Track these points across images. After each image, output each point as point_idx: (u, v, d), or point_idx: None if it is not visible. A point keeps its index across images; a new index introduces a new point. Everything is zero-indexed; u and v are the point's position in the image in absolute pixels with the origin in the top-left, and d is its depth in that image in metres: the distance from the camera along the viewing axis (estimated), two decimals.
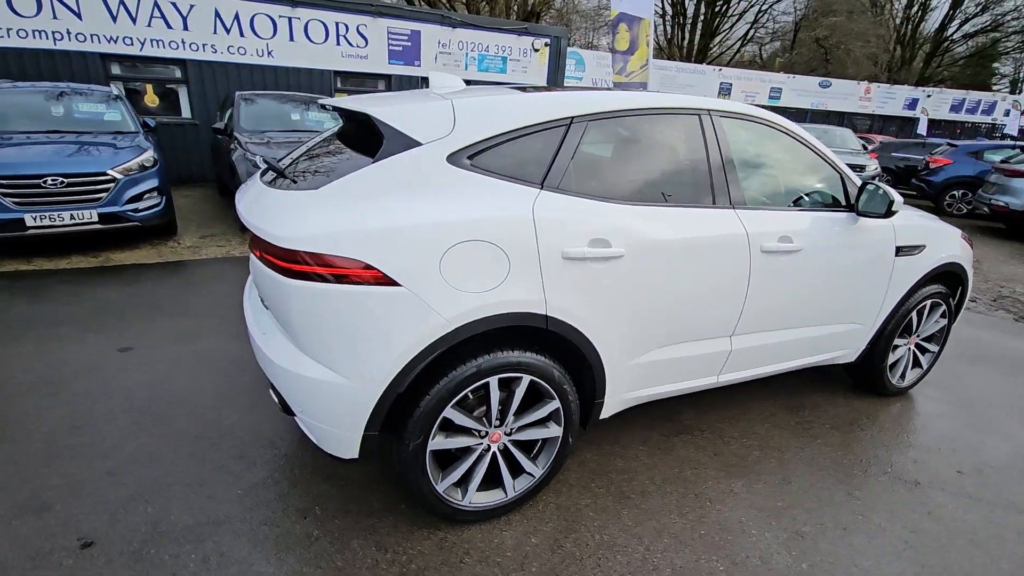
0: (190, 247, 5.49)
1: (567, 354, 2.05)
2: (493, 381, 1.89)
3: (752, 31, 25.21)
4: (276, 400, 1.97)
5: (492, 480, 2.07)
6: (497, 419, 1.98)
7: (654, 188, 2.21)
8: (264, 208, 1.85)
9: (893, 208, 2.50)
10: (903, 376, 3.24)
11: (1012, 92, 32.36)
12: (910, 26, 27.61)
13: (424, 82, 11.49)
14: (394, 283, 1.67)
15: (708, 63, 24.00)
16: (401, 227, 1.70)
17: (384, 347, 1.72)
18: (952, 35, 28.20)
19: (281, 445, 2.44)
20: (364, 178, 1.75)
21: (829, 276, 2.63)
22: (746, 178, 2.43)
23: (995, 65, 40.35)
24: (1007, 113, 23.69)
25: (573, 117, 2.01)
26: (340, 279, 1.65)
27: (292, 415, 1.94)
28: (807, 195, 2.69)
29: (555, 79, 12.91)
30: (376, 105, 1.96)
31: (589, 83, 17.29)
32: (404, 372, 1.75)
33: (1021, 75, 39.93)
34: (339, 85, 10.68)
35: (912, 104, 22.80)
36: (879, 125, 22.71)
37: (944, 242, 3.03)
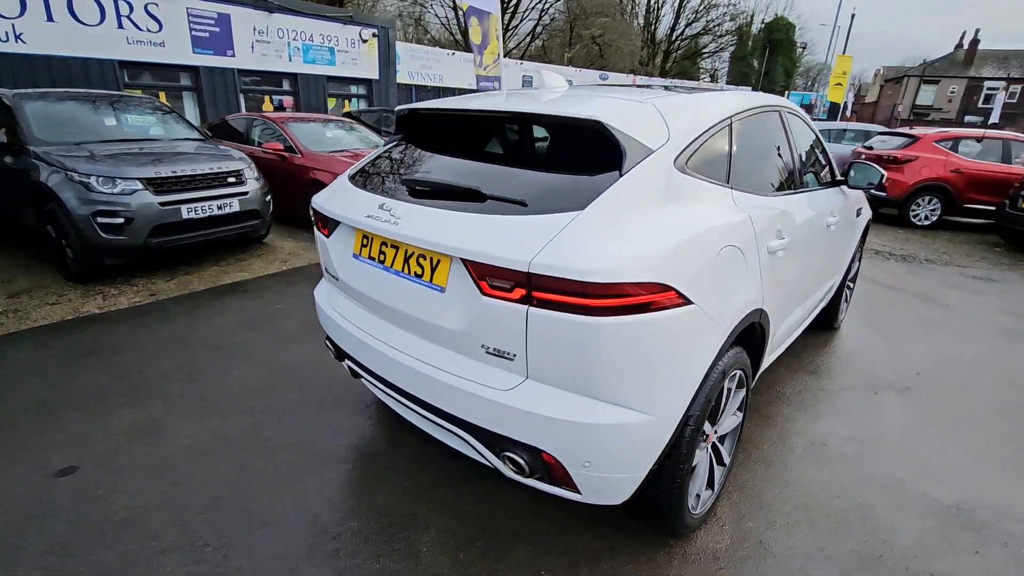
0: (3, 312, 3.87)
1: (752, 342, 2.12)
2: (725, 383, 1.87)
3: (540, 28, 27.69)
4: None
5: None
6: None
7: (774, 178, 2.39)
8: (512, 240, 1.48)
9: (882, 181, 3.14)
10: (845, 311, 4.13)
11: (712, 81, 41.73)
12: (649, 31, 33.41)
13: (241, 74, 9.85)
14: (688, 302, 1.53)
15: (505, 56, 25.47)
16: (680, 241, 1.56)
17: (686, 371, 1.58)
18: (679, 37, 34.92)
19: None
20: (623, 193, 1.54)
21: (842, 239, 3.19)
22: (800, 164, 2.78)
23: (699, 62, 51.50)
24: None
25: (732, 116, 2.06)
26: (645, 307, 1.44)
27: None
28: (817, 174, 3.19)
29: (386, 72, 12.31)
30: (581, 107, 1.72)
31: (406, 76, 16.85)
32: (697, 394, 1.62)
33: (719, 71, 51.80)
34: (128, 80, 8.50)
35: None
36: None
37: (866, 203, 3.89)
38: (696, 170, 1.78)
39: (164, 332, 3.60)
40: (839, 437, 2.68)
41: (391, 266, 1.82)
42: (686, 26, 34.63)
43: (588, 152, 1.68)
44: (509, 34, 27.98)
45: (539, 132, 2.31)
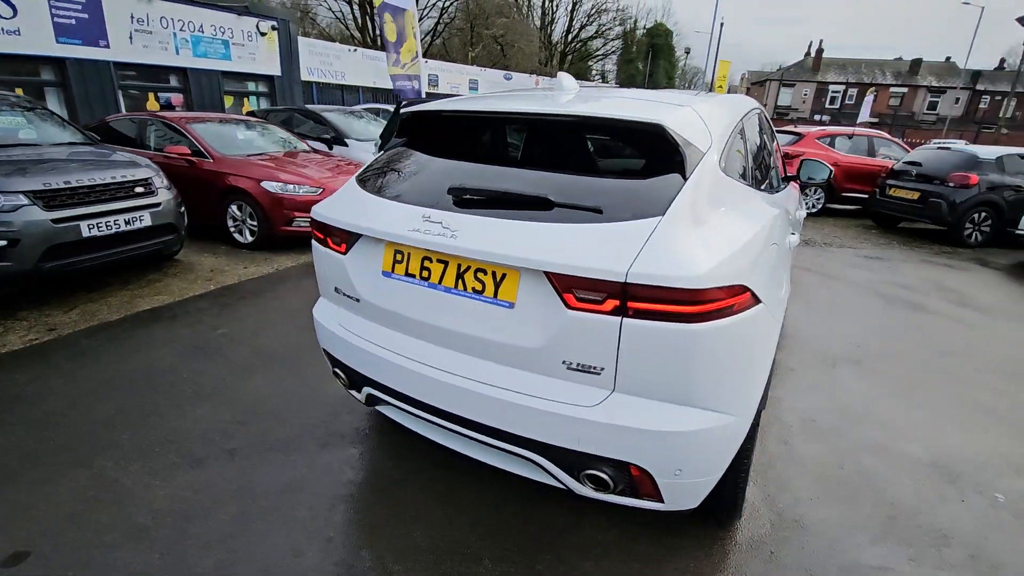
0: None
1: None
2: None
3: (441, 26, 27.24)
4: None
5: None
6: None
7: (767, 176, 2.51)
8: (597, 249, 1.40)
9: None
10: None
11: (603, 80, 44.02)
12: (546, 33, 34.41)
13: (119, 68, 8.63)
14: (758, 301, 1.55)
15: None
16: (745, 242, 1.57)
17: (760, 369, 1.62)
18: (574, 39, 36.30)
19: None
20: (691, 196, 1.52)
21: (797, 232, 3.46)
22: (776, 163, 2.97)
23: (590, 63, 54.13)
24: None
25: (741, 118, 2.13)
26: (730, 310, 1.43)
27: None
28: (778, 171, 3.43)
29: (289, 69, 11.46)
30: (634, 111, 1.67)
31: (305, 73, 15.80)
32: (765, 389, 1.66)
33: (608, 73, 54.78)
34: None
35: None
36: None
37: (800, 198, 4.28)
38: (728, 172, 1.82)
39: (84, 373, 3.03)
40: (821, 411, 2.91)
41: (439, 283, 1.66)
42: (580, 29, 36.17)
43: (648, 156, 1.65)
44: None
45: (560, 134, 2.24)
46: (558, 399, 1.50)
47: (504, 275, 1.54)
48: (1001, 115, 31.50)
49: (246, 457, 2.34)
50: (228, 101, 10.63)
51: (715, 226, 1.54)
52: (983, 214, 7.57)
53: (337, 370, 2.07)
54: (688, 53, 34.91)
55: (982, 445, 2.68)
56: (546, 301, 1.47)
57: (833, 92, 42.88)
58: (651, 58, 51.30)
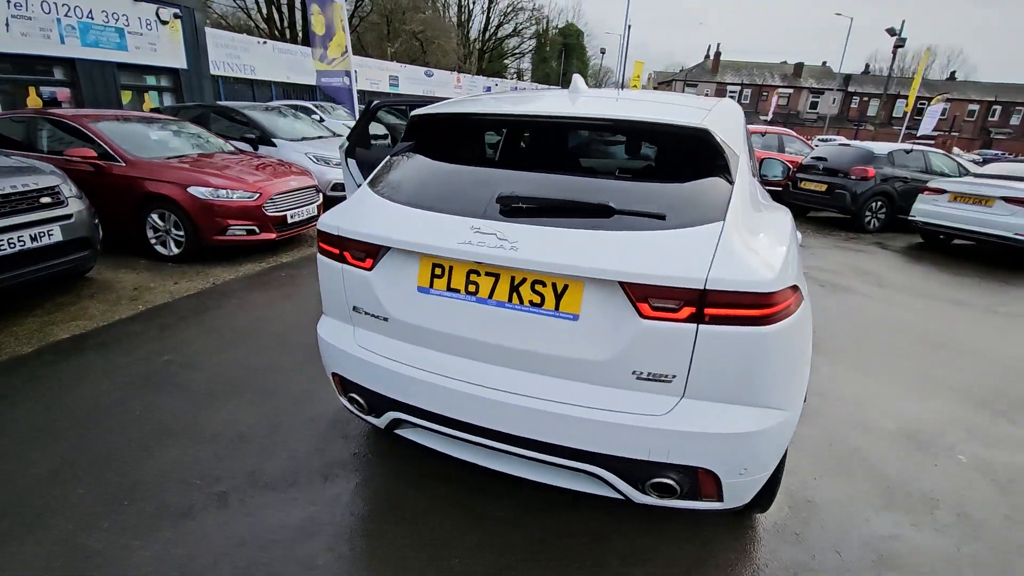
0: None
1: None
2: None
3: (357, 20, 26.07)
4: None
5: None
6: None
7: (759, 177, 2.62)
8: (668, 257, 1.37)
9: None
10: None
11: (519, 79, 44.64)
12: (463, 30, 34.18)
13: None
14: (803, 298, 1.60)
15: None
16: (788, 242, 1.62)
17: (807, 362, 1.67)
18: (491, 37, 36.36)
19: None
20: (741, 200, 1.54)
21: None
22: None
23: (506, 62, 54.71)
24: None
25: (744, 121, 2.21)
26: (788, 309, 1.46)
27: None
28: None
29: (196, 61, 10.47)
30: (673, 116, 1.65)
31: (211, 65, 14.53)
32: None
33: (523, 71, 55.59)
34: None
35: (488, 90, 28.66)
36: None
37: None
38: (753, 174, 1.87)
39: (6, 420, 2.57)
40: None
41: (490, 297, 1.55)
42: (497, 27, 36.28)
43: (690, 160, 1.64)
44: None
45: (598, 138, 2.19)
46: (626, 410, 1.46)
47: (566, 286, 1.47)
48: (869, 114, 35.78)
49: (240, 500, 2.08)
50: (126, 97, 9.51)
51: (761, 228, 1.57)
52: (879, 203, 8.51)
53: (353, 395, 1.89)
54: (604, 53, 36.19)
55: (936, 411, 2.99)
56: (617, 311, 1.42)
57: (731, 92, 46.36)
58: (564, 57, 52.75)
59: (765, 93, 45.50)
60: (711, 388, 1.44)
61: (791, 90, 46.10)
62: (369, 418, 1.93)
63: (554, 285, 1.48)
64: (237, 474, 2.23)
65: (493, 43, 37.81)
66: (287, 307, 4.11)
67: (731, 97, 46.05)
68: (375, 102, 3.15)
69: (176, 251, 5.18)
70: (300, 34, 24.58)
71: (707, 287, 1.33)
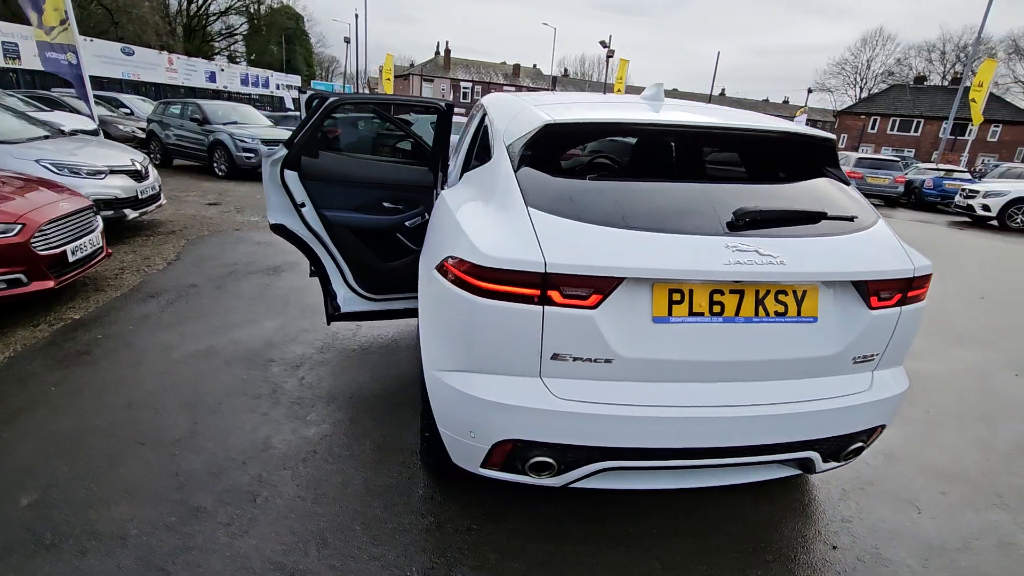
0: None
1: None
2: None
3: None
4: None
5: None
6: None
7: None
8: (879, 253, 1.60)
9: None
10: None
11: (232, 61, 39.36)
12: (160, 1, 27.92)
13: None
14: None
15: None
16: None
17: None
18: (200, 11, 30.69)
19: None
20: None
21: None
22: None
23: (215, 43, 47.39)
24: (277, 87, 29.39)
25: None
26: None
27: None
28: None
29: None
30: (797, 126, 1.81)
31: None
32: None
33: (237, 54, 48.95)
34: None
35: (212, 77, 24.37)
36: (185, 94, 23.13)
37: None
38: None
39: None
40: None
41: (735, 315, 1.50)
42: (205, 3, 30.69)
43: (813, 168, 1.84)
44: None
45: (732, 146, 2.14)
46: (843, 393, 1.65)
47: (805, 292, 1.55)
48: None
49: None
50: None
51: None
52: None
53: (538, 459, 1.58)
54: (348, 43, 34.17)
55: None
56: (849, 307, 1.59)
57: (464, 88, 49.76)
58: (285, 43, 48.44)
59: (492, 89, 50.22)
60: (890, 358, 1.73)
61: (514, 87, 52.01)
62: (549, 480, 1.64)
63: (795, 292, 1.55)
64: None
65: (199, 20, 31.97)
66: (139, 405, 2.93)
67: (464, 93, 49.43)
68: (332, 99, 2.44)
69: None
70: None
71: (914, 275, 1.60)
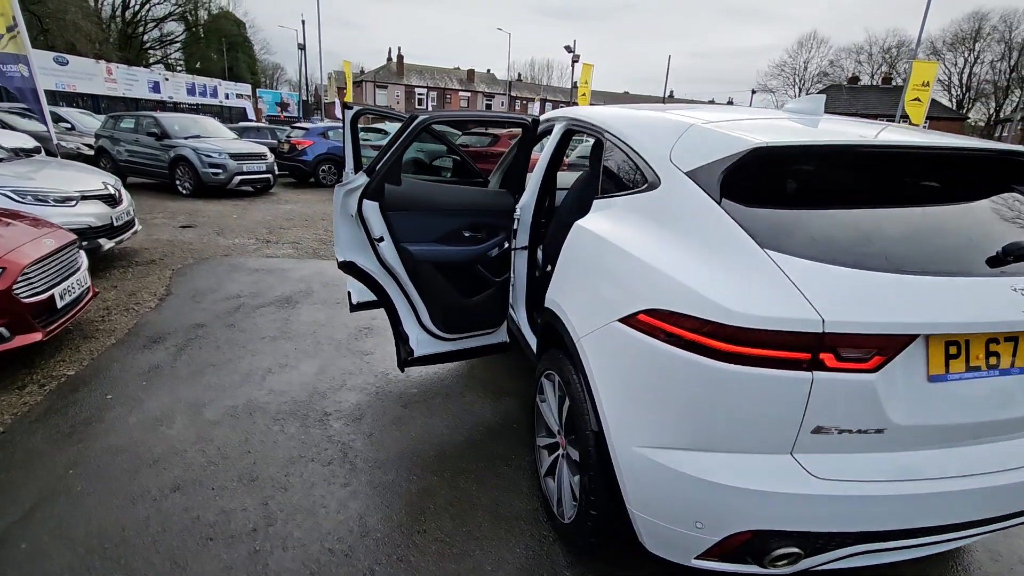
0: None
1: None
2: None
3: None
4: None
5: None
6: None
7: None
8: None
9: None
10: None
11: (170, 69, 37.08)
12: (96, 3, 25.89)
13: None
14: None
15: None
16: None
17: None
18: (136, 18, 28.77)
19: None
20: None
21: None
22: None
23: (153, 51, 44.74)
24: (227, 97, 27.91)
25: None
26: None
27: None
28: None
29: None
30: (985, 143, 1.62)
31: None
32: None
33: (176, 62, 46.40)
34: None
35: (156, 87, 22.86)
36: (127, 106, 21.53)
37: None
38: None
39: None
40: None
41: (1012, 366, 1.29)
42: (143, 7, 28.68)
43: (1002, 184, 1.66)
44: None
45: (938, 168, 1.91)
46: None
47: None
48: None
49: None
50: None
51: None
52: None
53: (782, 550, 1.31)
54: (302, 49, 32.61)
55: None
56: None
57: (419, 94, 49.02)
58: (228, 50, 46.35)
59: (449, 96, 49.74)
60: None
61: (469, 93, 51.69)
62: (782, 570, 1.37)
63: None
64: None
65: (135, 27, 29.89)
66: (189, 485, 2.47)
67: (419, 99, 48.70)
68: (422, 118, 2.06)
69: None
70: None
71: None
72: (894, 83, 44.06)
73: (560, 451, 2.00)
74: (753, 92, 51.76)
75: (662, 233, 1.53)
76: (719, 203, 1.42)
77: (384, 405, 2.91)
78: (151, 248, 6.09)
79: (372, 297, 2.56)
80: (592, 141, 2.84)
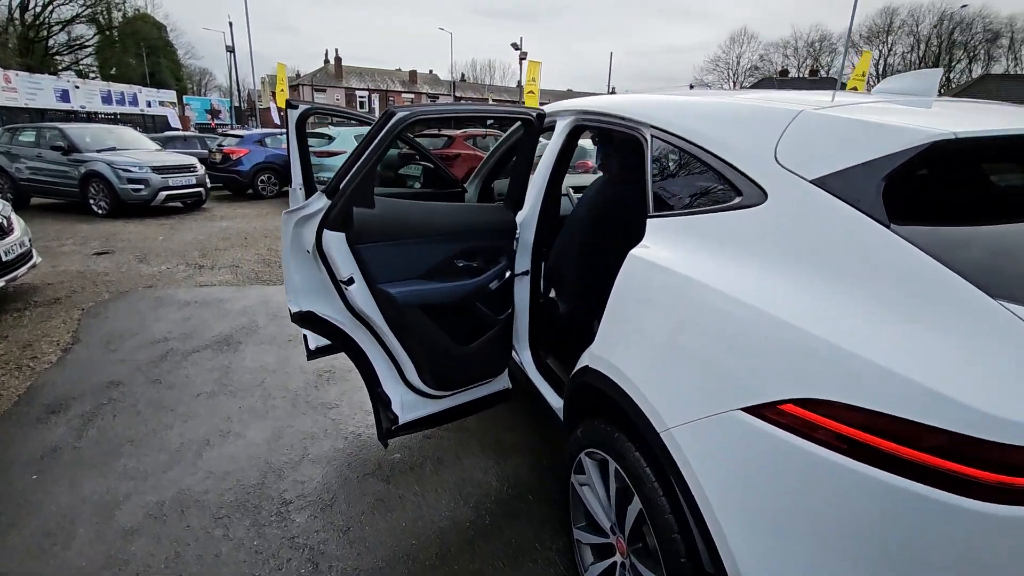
0: None
1: None
2: None
3: None
4: None
5: None
6: None
7: None
8: None
9: None
10: None
11: (80, 77, 33.93)
12: None
13: None
14: None
15: None
16: None
17: None
18: (37, 21, 26.07)
19: None
20: None
21: None
22: None
23: (61, 56, 41.06)
24: (149, 104, 25.78)
25: None
26: None
27: None
28: None
29: None
30: None
31: None
32: None
33: (87, 68, 42.80)
34: None
35: (64, 95, 20.72)
36: (32, 118, 19.36)
37: None
38: None
39: None
40: None
41: None
42: (46, 8, 25.89)
43: None
44: None
45: None
46: None
47: None
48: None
49: None
50: None
51: None
52: None
53: None
54: (231, 52, 30.33)
55: None
56: None
57: (360, 97, 47.38)
58: (148, 55, 43.27)
59: (392, 98, 48.34)
60: None
61: (412, 95, 50.45)
62: None
63: None
64: None
65: (37, 31, 27.04)
66: None
67: (361, 102, 47.10)
68: (402, 115, 1.47)
69: None
70: None
71: None
72: (820, 75, 46.52)
73: (618, 558, 1.49)
74: (691, 87, 53.24)
75: (788, 274, 1.04)
76: (887, 226, 0.94)
77: (360, 481, 2.30)
78: (56, 283, 5.13)
79: (425, 411, 2.01)
80: (603, 138, 2.36)
